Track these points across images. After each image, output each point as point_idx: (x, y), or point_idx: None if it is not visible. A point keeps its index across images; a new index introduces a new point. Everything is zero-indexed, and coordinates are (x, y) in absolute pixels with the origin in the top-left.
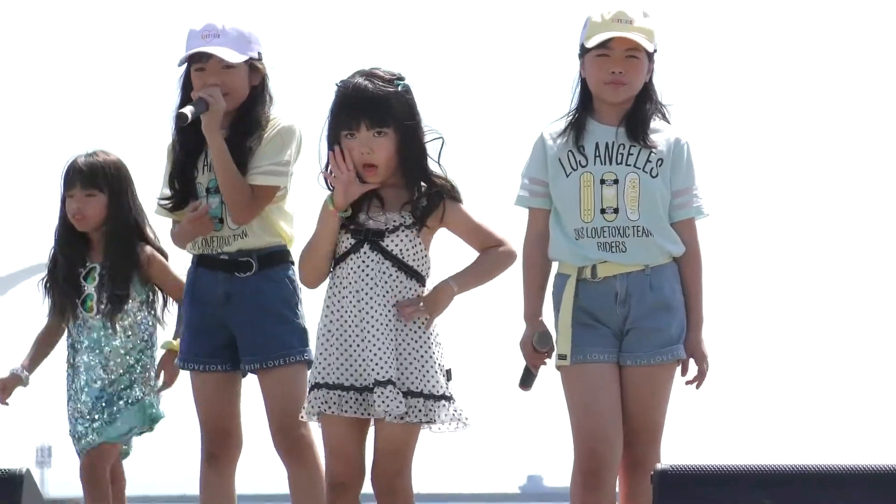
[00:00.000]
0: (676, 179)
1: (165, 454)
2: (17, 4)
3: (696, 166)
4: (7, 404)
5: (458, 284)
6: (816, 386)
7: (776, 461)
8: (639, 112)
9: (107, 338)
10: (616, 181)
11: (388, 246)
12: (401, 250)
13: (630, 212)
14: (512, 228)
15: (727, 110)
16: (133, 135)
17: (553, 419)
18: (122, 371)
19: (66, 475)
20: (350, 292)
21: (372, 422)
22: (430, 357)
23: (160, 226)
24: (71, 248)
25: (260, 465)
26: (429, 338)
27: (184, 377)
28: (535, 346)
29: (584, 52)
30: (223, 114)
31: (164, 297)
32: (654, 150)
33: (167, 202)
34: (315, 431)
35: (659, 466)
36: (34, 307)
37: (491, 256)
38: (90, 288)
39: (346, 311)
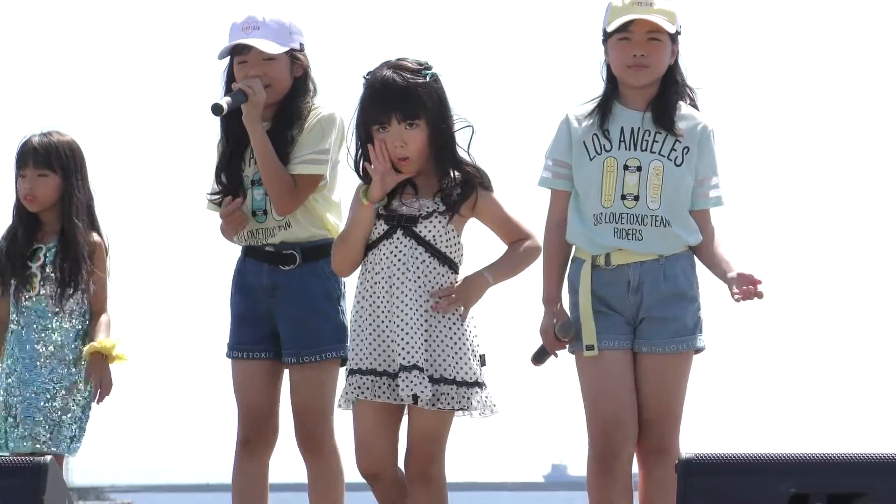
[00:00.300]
0: (700, 167)
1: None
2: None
3: (718, 155)
4: None
5: (492, 276)
6: (840, 375)
7: (800, 450)
8: (665, 97)
9: (46, 320)
10: (639, 168)
11: (420, 232)
12: (434, 237)
13: (651, 200)
14: (534, 212)
15: (759, 94)
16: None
17: (577, 409)
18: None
19: (90, 464)
20: (382, 278)
21: (406, 409)
22: (464, 343)
23: (117, 216)
24: (23, 228)
25: (293, 455)
26: (463, 324)
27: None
28: (558, 335)
29: (606, 37)
30: (266, 105)
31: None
32: (679, 138)
33: (215, 196)
34: (341, 426)
35: (684, 455)
36: None
37: (521, 249)
38: (35, 268)
39: (379, 297)
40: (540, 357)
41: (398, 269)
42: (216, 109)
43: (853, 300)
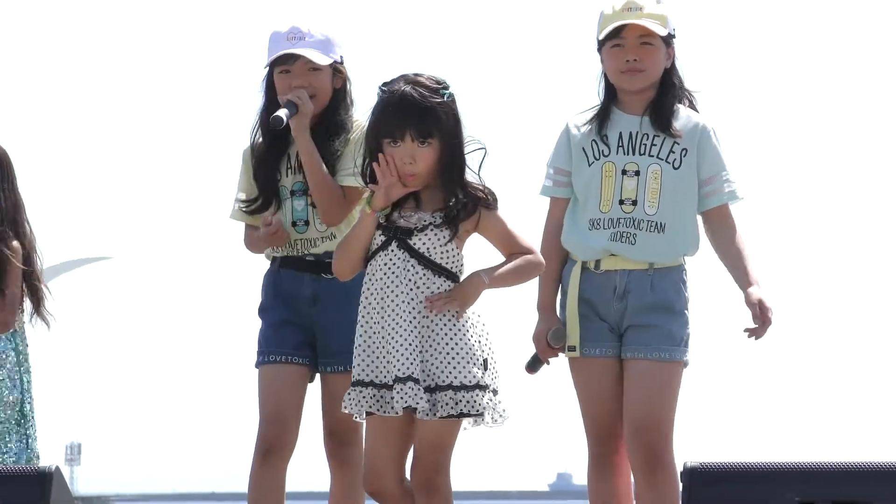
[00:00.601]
0: (704, 167)
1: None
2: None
3: (723, 151)
4: None
5: (489, 278)
6: (846, 384)
7: (804, 458)
8: (662, 100)
9: None
10: (637, 172)
11: (414, 244)
12: (428, 248)
13: (648, 205)
14: (537, 222)
15: (759, 95)
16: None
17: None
18: None
19: (96, 472)
20: (377, 289)
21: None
22: (462, 346)
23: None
24: None
25: (311, 463)
26: (462, 326)
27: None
28: (550, 342)
29: (600, 45)
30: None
31: (33, 300)
32: (677, 139)
33: (249, 205)
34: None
35: (688, 463)
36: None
37: (522, 261)
38: None
39: (373, 308)
40: (534, 365)
41: (391, 281)
42: (276, 121)
43: (859, 309)
